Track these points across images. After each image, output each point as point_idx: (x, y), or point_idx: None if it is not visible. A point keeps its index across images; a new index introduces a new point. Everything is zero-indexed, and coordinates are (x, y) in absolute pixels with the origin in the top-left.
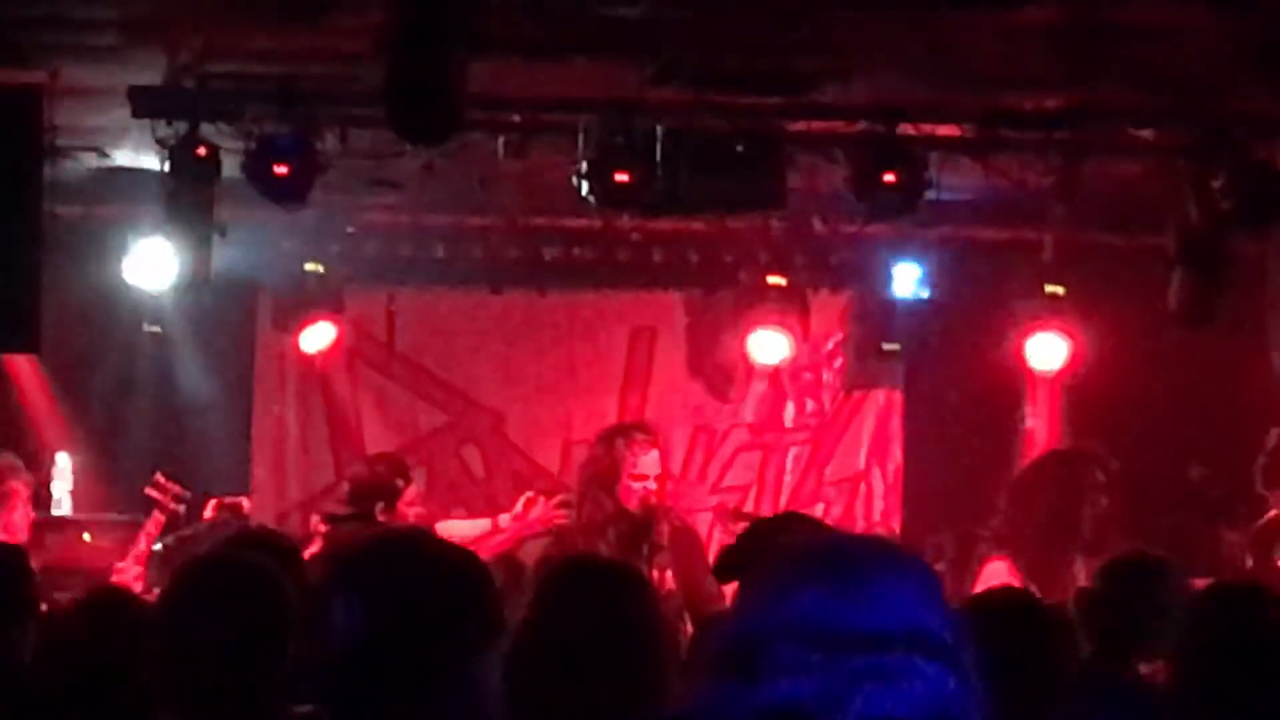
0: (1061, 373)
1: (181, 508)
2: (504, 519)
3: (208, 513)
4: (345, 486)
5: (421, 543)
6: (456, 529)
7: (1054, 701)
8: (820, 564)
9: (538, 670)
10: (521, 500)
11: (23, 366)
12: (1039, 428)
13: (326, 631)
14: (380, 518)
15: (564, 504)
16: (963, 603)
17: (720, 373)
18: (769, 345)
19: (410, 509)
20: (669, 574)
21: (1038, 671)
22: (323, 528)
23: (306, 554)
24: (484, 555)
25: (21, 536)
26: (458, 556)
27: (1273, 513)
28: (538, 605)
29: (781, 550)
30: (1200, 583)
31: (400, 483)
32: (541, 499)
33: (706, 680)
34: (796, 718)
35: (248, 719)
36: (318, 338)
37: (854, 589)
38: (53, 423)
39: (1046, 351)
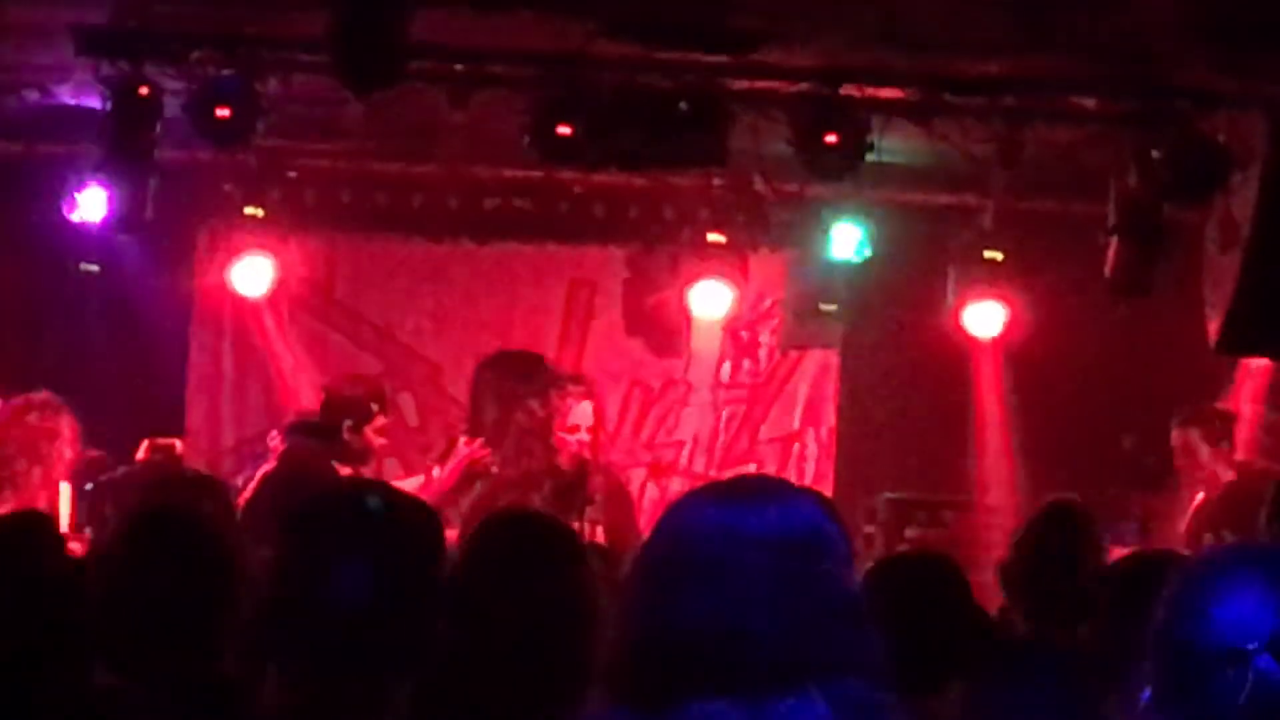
0: (1002, 339)
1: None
2: (436, 472)
3: (140, 454)
4: (321, 397)
5: (405, 501)
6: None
7: (971, 666)
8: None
9: (481, 624)
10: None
11: None
12: (986, 396)
13: (326, 594)
14: (346, 436)
15: (489, 444)
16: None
17: (658, 328)
18: (711, 298)
19: (377, 437)
20: (599, 528)
21: (938, 627)
22: (280, 445)
23: (259, 472)
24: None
25: None
26: (432, 516)
27: None
28: (471, 560)
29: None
30: (1120, 551)
31: (374, 407)
32: (463, 439)
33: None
34: None
35: (192, 672)
36: (254, 279)
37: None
38: None
39: (984, 318)
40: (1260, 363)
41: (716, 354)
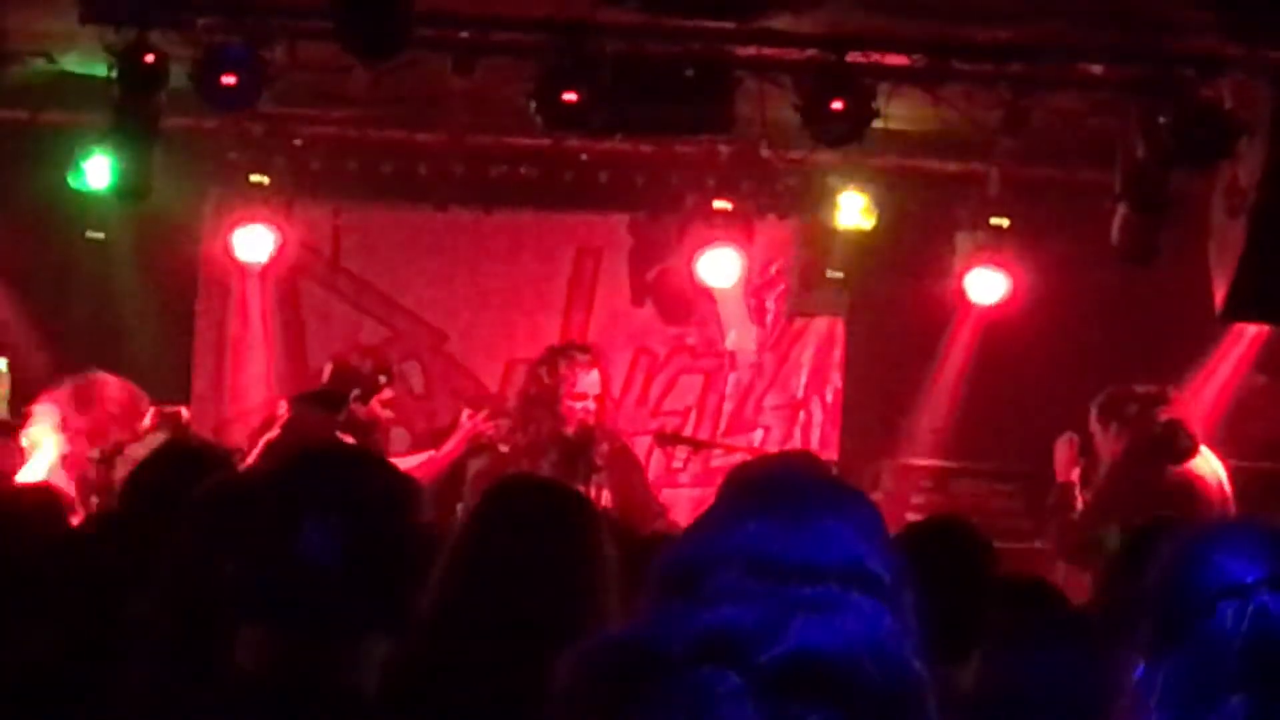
0: (1002, 306)
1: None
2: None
3: (146, 421)
4: (329, 368)
5: (380, 464)
6: (406, 464)
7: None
8: (768, 496)
9: (475, 585)
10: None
11: None
12: (954, 357)
13: (297, 550)
14: (353, 405)
15: (493, 417)
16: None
17: (664, 296)
18: (720, 265)
19: (384, 410)
20: (605, 493)
21: (964, 596)
22: (286, 414)
23: (263, 439)
24: (424, 476)
25: None
26: (407, 480)
27: None
28: (476, 521)
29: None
30: None
31: (382, 379)
32: (466, 413)
33: (650, 601)
34: (734, 643)
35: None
36: (258, 246)
37: (798, 522)
38: None
39: (985, 285)
40: (1255, 327)
41: (748, 320)
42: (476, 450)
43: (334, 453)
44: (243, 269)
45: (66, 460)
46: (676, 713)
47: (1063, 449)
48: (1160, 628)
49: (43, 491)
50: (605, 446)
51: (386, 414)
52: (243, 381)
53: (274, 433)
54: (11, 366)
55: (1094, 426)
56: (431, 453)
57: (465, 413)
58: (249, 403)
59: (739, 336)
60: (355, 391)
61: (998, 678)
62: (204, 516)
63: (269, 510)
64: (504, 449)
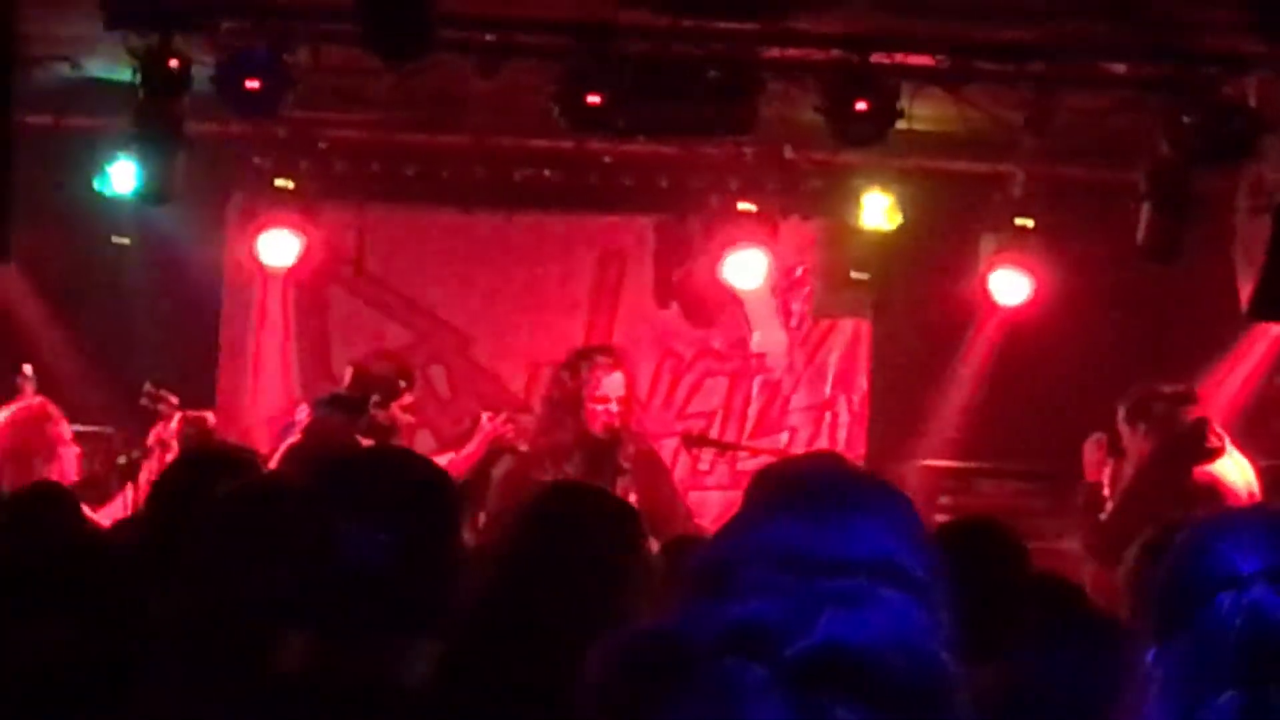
0: (1022, 306)
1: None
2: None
3: (173, 425)
4: (349, 373)
5: (423, 465)
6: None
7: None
8: (797, 493)
9: (519, 587)
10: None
11: None
12: (979, 357)
13: (340, 554)
14: (373, 410)
15: (512, 419)
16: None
17: (688, 298)
18: (746, 267)
19: (404, 415)
20: (632, 496)
21: (995, 596)
22: (307, 419)
23: (284, 444)
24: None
25: None
26: (449, 481)
27: None
28: (520, 523)
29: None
30: None
31: (402, 384)
32: (486, 415)
33: (679, 599)
34: (761, 635)
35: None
36: (283, 250)
37: (827, 517)
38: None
39: (1009, 285)
40: (1278, 326)
41: (739, 322)
42: (498, 452)
43: (376, 455)
44: (267, 273)
45: None
46: (704, 704)
47: (1091, 449)
48: (1165, 615)
49: (55, 489)
50: (631, 449)
51: (406, 419)
52: (267, 386)
53: (294, 437)
54: (36, 371)
55: (1122, 426)
56: (453, 455)
57: (485, 415)
58: (274, 407)
59: (765, 338)
60: (375, 396)
61: (1022, 678)
62: (227, 519)
63: (312, 514)
64: (524, 448)
